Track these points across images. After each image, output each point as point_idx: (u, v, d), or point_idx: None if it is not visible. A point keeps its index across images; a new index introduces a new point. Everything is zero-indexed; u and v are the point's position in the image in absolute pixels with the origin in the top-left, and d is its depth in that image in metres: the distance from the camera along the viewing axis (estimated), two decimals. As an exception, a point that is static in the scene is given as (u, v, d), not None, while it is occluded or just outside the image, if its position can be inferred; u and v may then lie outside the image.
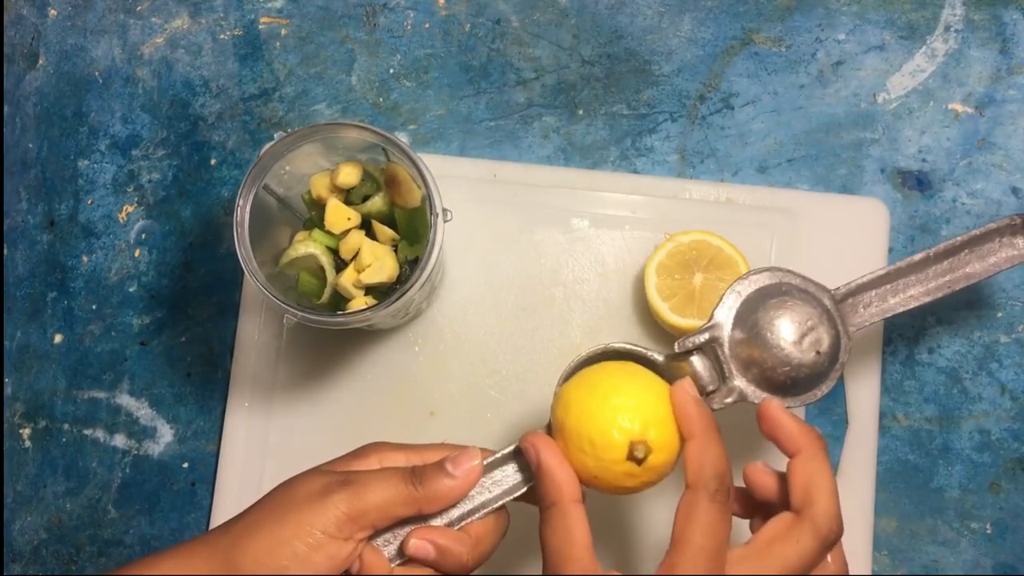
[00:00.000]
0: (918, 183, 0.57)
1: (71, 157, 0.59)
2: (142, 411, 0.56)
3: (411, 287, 0.44)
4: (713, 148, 0.57)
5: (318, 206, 0.49)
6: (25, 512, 0.56)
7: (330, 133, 0.46)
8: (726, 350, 0.43)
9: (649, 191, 0.55)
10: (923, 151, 0.57)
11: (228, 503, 0.54)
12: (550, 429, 0.42)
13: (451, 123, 0.58)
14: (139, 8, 0.60)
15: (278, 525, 0.38)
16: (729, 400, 0.43)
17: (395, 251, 0.49)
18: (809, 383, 0.43)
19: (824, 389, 0.44)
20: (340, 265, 0.48)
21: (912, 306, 0.46)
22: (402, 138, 0.58)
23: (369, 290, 0.48)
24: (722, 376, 0.43)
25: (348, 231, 0.48)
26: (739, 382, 0.43)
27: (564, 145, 0.57)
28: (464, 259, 0.55)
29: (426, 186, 0.45)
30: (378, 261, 0.47)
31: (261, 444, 0.54)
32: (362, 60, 0.59)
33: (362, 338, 0.55)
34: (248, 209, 0.46)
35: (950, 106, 0.57)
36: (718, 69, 0.58)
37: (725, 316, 0.44)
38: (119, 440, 0.56)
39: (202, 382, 0.56)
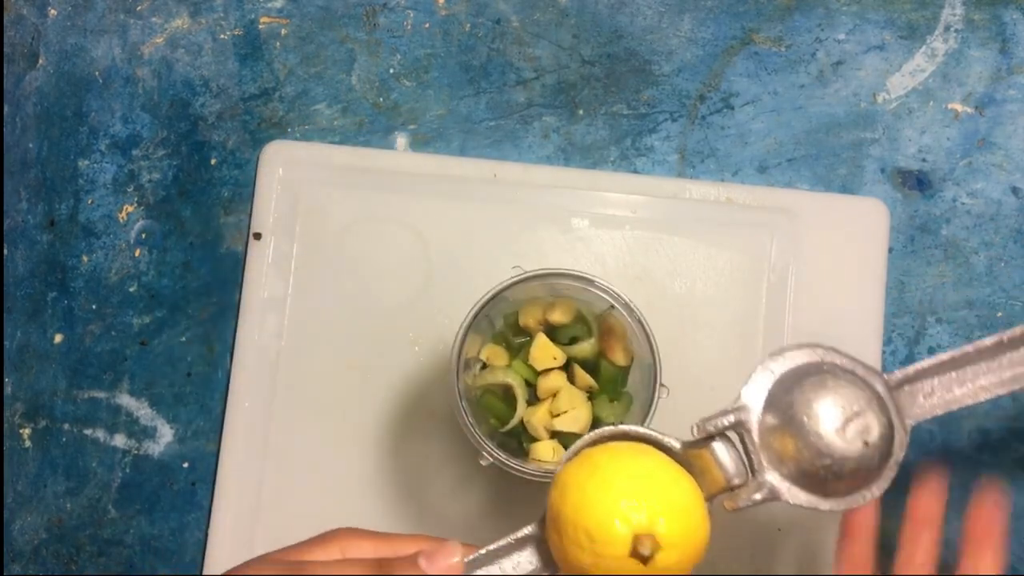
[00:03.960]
0: (918, 183, 0.57)
1: (71, 157, 0.59)
2: (142, 411, 0.56)
3: None
4: (713, 148, 0.57)
5: (520, 331, 0.49)
6: (25, 512, 0.56)
7: (579, 285, 0.46)
8: (755, 438, 0.37)
9: (649, 191, 0.55)
10: (923, 151, 0.57)
11: (228, 503, 0.54)
12: (544, 520, 0.37)
13: (451, 123, 0.58)
14: (139, 8, 0.60)
15: None
16: (758, 497, 0.37)
17: (589, 399, 0.48)
18: (855, 482, 0.37)
19: (875, 491, 0.37)
20: (531, 398, 0.48)
21: (983, 398, 0.40)
22: (402, 138, 0.58)
23: (555, 434, 0.47)
24: (751, 468, 0.37)
25: (551, 370, 0.48)
26: (771, 476, 0.37)
27: (564, 145, 0.57)
28: (464, 258, 0.55)
29: (652, 355, 0.44)
30: (575, 410, 0.47)
31: (261, 444, 0.54)
32: (362, 60, 0.59)
33: (362, 339, 0.55)
34: (466, 338, 0.45)
35: (950, 106, 0.57)
36: (718, 69, 0.58)
37: (755, 397, 0.37)
38: (119, 440, 0.56)
39: (202, 382, 0.56)
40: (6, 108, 0.59)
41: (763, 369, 0.38)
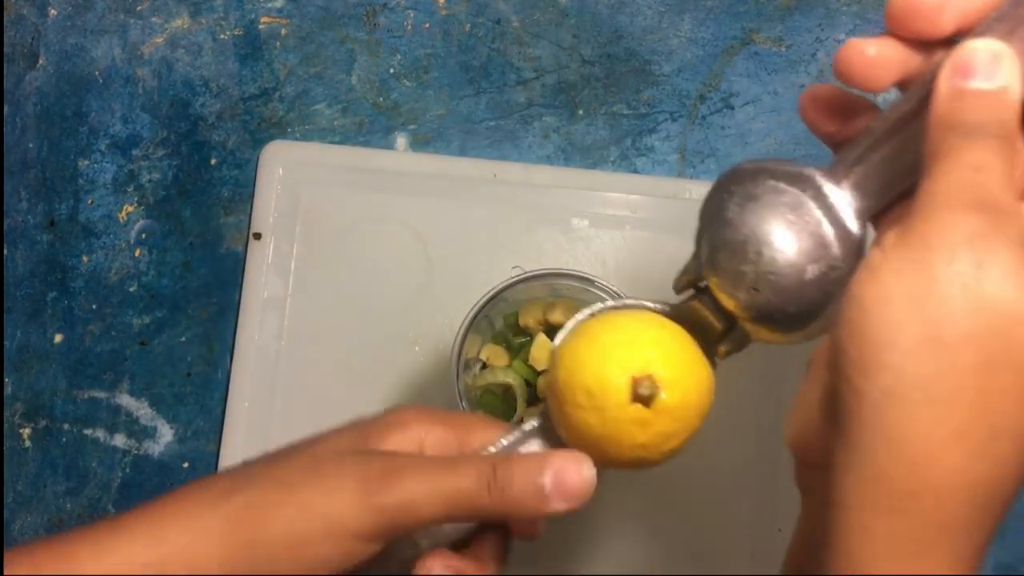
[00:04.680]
0: (918, 183, 0.57)
1: (71, 157, 0.59)
2: (142, 411, 0.56)
3: None
4: (713, 148, 0.57)
5: (520, 331, 0.49)
6: (25, 512, 0.56)
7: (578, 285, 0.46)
8: (711, 283, 0.34)
9: (649, 191, 0.55)
10: (923, 151, 0.57)
11: (228, 503, 0.54)
12: (545, 409, 0.36)
13: (451, 123, 0.58)
14: (139, 8, 0.60)
15: (303, 516, 0.32)
16: (732, 344, 0.35)
17: None
18: (807, 310, 0.31)
19: (825, 318, 0.31)
20: (531, 399, 0.48)
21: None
22: (402, 138, 0.58)
23: None
24: (727, 318, 0.34)
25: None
26: (742, 323, 0.33)
27: (564, 145, 0.57)
28: (464, 258, 0.55)
29: None
30: None
31: (261, 444, 0.54)
32: (362, 60, 0.59)
33: (362, 339, 0.55)
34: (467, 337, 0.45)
35: (950, 106, 0.57)
36: (718, 69, 0.58)
37: (699, 245, 0.34)
38: (119, 440, 0.56)
39: (202, 382, 0.56)
40: (6, 108, 0.59)
41: (701, 214, 0.33)
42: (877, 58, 0.28)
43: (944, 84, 0.26)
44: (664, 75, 0.58)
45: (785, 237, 0.31)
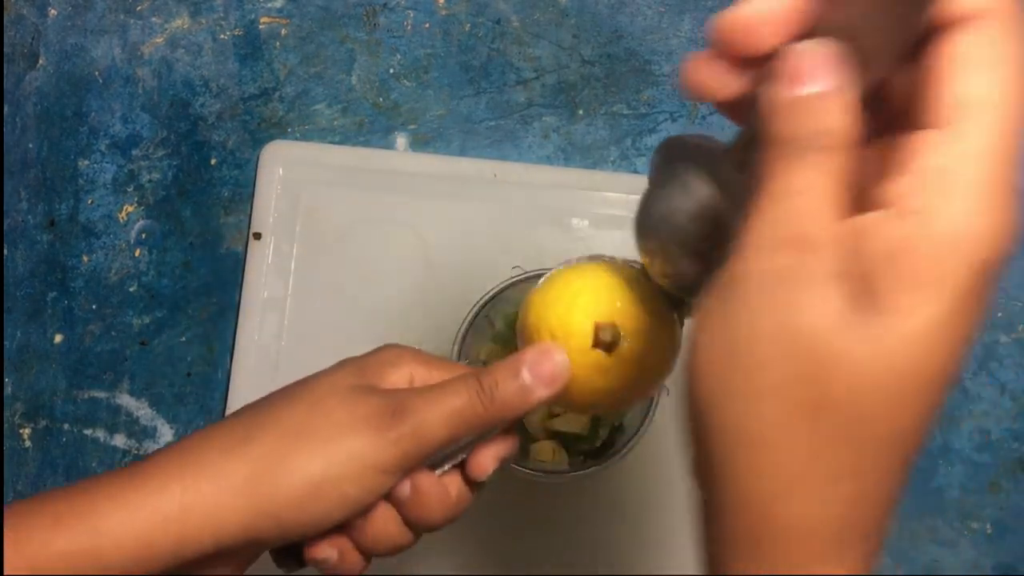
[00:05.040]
0: (918, 183, 0.57)
1: (71, 157, 0.59)
2: (142, 411, 0.56)
3: (615, 455, 0.43)
4: (713, 148, 0.57)
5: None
6: (25, 512, 0.56)
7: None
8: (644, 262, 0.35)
9: (649, 191, 0.56)
10: (923, 151, 0.57)
11: (228, 503, 0.54)
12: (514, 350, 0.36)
13: (451, 123, 0.58)
14: (139, 8, 0.60)
15: (324, 458, 0.33)
16: (686, 310, 0.35)
17: None
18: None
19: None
20: None
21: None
22: (402, 138, 0.58)
23: (555, 434, 0.47)
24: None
25: None
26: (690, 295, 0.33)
27: (564, 145, 0.57)
28: (464, 258, 0.55)
29: None
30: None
31: (261, 444, 0.54)
32: (362, 60, 0.59)
33: (362, 339, 0.55)
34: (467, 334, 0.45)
35: (950, 106, 0.57)
36: (718, 69, 0.58)
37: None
38: (119, 440, 0.56)
39: (202, 382, 0.56)
40: (6, 108, 0.59)
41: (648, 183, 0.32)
42: (718, 71, 0.25)
43: (765, 98, 0.23)
44: (664, 75, 0.58)
45: (687, 225, 0.30)
